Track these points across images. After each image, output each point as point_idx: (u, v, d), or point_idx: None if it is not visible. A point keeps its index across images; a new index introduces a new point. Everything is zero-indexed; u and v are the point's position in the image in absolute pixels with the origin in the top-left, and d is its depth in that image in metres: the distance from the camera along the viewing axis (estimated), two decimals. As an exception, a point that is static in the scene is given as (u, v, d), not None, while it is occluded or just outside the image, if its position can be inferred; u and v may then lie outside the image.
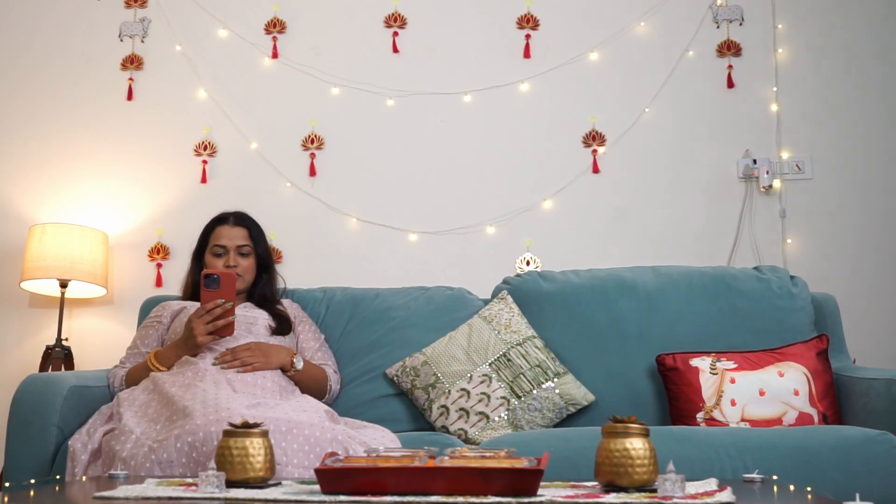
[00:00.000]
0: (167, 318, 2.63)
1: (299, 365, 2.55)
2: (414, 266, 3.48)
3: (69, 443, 2.23)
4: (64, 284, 3.33)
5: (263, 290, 2.76)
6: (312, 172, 3.58)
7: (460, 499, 1.33)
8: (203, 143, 3.62)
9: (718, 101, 3.52)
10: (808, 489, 1.53)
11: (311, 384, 2.61)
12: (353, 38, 3.68)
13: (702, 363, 2.61)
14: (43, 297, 3.54)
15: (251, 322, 2.60)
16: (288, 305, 2.81)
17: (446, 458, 1.47)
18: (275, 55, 3.66)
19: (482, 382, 2.65)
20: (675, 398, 2.62)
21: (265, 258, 2.79)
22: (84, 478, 2.10)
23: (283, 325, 2.68)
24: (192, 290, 2.73)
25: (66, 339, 3.40)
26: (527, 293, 2.87)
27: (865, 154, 3.45)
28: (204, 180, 3.58)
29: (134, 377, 2.49)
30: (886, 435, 2.17)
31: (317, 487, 1.45)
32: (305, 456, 2.01)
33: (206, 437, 1.98)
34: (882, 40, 3.50)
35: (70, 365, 3.34)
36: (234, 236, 2.73)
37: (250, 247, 2.74)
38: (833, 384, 2.58)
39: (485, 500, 1.33)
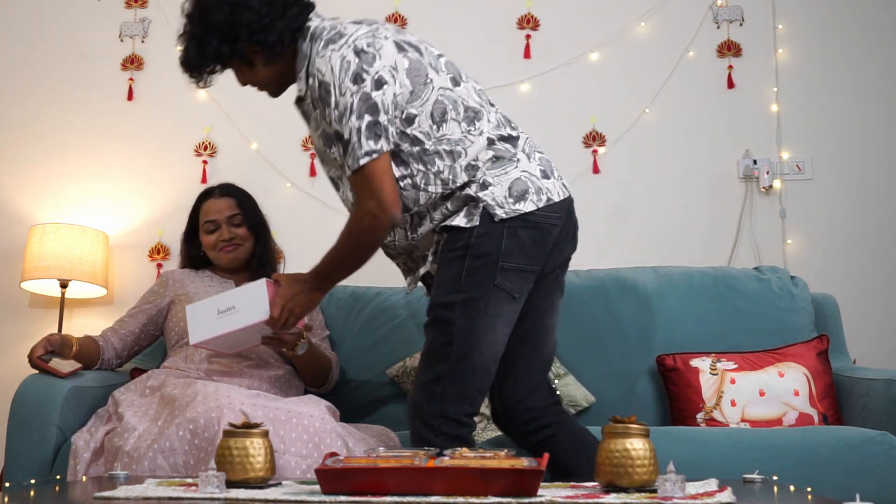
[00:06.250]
0: (164, 302, 2.63)
1: (301, 351, 2.41)
2: (414, 266, 3.47)
3: (72, 439, 2.24)
4: (64, 285, 3.33)
5: (260, 264, 2.66)
6: (313, 172, 3.57)
7: (460, 499, 1.33)
8: (203, 143, 3.62)
9: (718, 102, 3.51)
10: (808, 489, 1.53)
11: (312, 363, 2.52)
12: (354, 39, 3.67)
13: (702, 363, 2.61)
14: (43, 297, 3.53)
15: None
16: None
17: (446, 458, 1.47)
18: (275, 55, 3.65)
19: (482, 382, 2.65)
20: (675, 398, 2.62)
21: (256, 228, 2.68)
22: (84, 477, 2.10)
23: None
24: (189, 262, 2.74)
25: (67, 339, 3.40)
26: (527, 293, 2.86)
27: (865, 154, 3.44)
28: (204, 180, 3.57)
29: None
30: (886, 435, 2.17)
31: (317, 487, 1.45)
32: (304, 445, 2.01)
33: (208, 423, 1.98)
34: (882, 41, 3.50)
35: (70, 365, 3.33)
36: (221, 208, 2.66)
37: (241, 216, 2.66)
38: (833, 384, 2.58)
39: (485, 500, 1.33)
